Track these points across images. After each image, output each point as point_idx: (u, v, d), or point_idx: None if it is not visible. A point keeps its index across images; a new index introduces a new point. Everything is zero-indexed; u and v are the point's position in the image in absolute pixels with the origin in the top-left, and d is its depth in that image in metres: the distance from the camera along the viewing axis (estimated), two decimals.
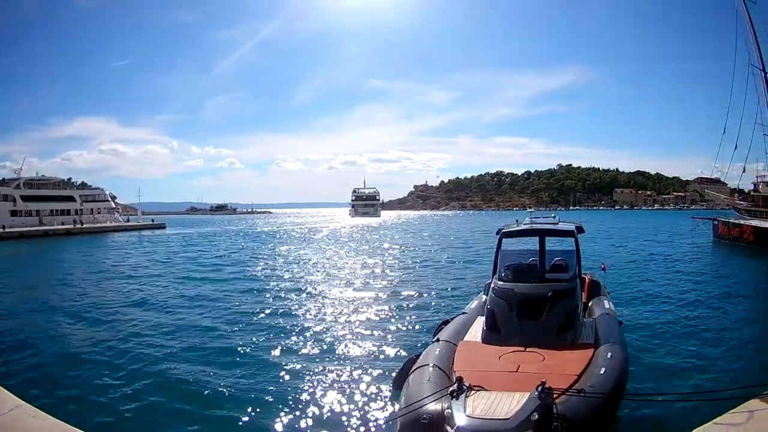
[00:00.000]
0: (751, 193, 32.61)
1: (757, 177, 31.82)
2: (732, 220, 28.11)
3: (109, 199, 58.32)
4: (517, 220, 7.03)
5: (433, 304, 11.18)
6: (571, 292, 5.63)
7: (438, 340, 5.40)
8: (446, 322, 6.38)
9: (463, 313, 6.64)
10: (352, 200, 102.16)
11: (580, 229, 6.82)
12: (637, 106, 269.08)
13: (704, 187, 52.43)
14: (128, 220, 59.99)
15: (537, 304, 5.36)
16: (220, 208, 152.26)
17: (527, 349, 5.00)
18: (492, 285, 5.90)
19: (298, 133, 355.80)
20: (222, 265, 19.43)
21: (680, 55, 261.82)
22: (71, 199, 52.49)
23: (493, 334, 5.39)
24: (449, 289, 13.28)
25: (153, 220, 63.06)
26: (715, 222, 29.83)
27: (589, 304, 6.91)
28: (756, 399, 4.49)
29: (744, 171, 30.31)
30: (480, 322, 5.85)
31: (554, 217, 7.46)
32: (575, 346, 5.17)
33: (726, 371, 6.83)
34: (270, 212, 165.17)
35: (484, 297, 6.62)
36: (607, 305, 6.78)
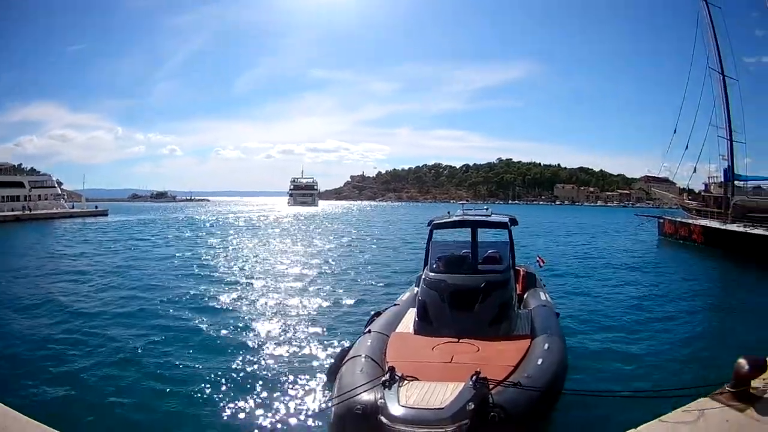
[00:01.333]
0: (702, 193, 38.18)
1: (709, 178, 37.11)
2: (679, 219, 32.67)
3: (56, 185, 66.05)
4: (449, 212, 7.85)
5: (365, 295, 12.86)
6: (505, 284, 6.46)
7: (370, 331, 6.12)
8: (378, 314, 7.20)
9: (395, 304, 7.57)
10: (291, 189, 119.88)
11: (513, 221, 7.82)
12: (584, 104, 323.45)
13: (651, 186, 58.13)
14: (73, 207, 67.79)
15: (469, 296, 6.13)
16: (160, 196, 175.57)
17: (461, 340, 5.66)
18: (423, 276, 6.74)
19: (238, 121, 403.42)
20: (161, 256, 21.99)
21: (634, 55, 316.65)
22: (21, 185, 58.62)
23: (426, 325, 6.16)
24: (382, 281, 15.24)
25: (96, 207, 71.85)
26: (661, 220, 34.99)
27: (525, 296, 7.94)
28: (707, 398, 4.73)
29: (695, 171, 35.88)
30: (412, 314, 6.70)
31: (487, 209, 8.39)
32: (510, 337, 5.90)
33: (671, 370, 7.78)
34: (208, 200, 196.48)
35: (416, 289, 7.54)
36: (543, 297, 7.77)
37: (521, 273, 8.62)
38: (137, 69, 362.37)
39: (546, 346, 5.40)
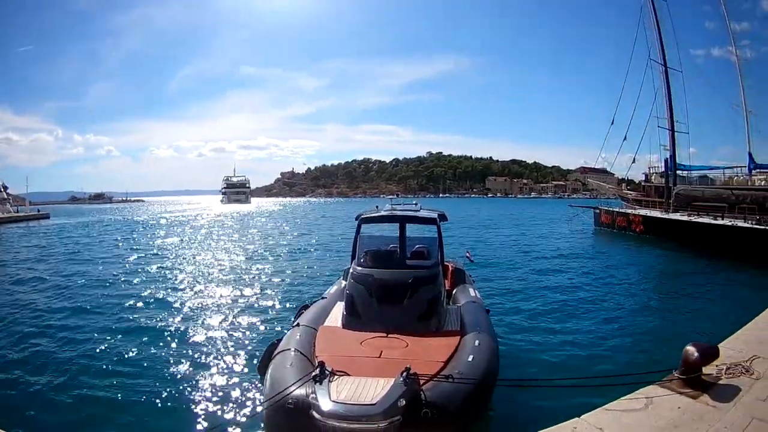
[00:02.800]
0: (642, 183, 42.43)
1: (649, 168, 41.16)
2: (617, 209, 37.16)
3: (1, 189, 73.85)
4: (377, 207, 9.07)
5: (293, 289, 14.88)
6: (433, 279, 7.31)
7: (298, 324, 6.90)
8: (306, 307, 8.17)
9: (323, 297, 8.52)
10: (224, 188, 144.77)
11: (442, 217, 8.81)
12: (516, 97, 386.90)
13: (587, 177, 61.68)
14: (18, 211, 75.08)
15: (397, 291, 6.93)
16: (98, 197, 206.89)
17: (389, 335, 6.40)
18: (351, 271, 7.62)
19: (171, 120, 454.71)
20: (98, 258, 24.00)
21: (572, 48, 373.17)
22: None
23: (354, 320, 6.93)
24: (310, 274, 17.87)
25: (39, 210, 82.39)
26: (597, 210, 39.33)
27: (454, 292, 8.86)
28: (654, 385, 5.10)
29: (634, 161, 40.34)
30: (340, 308, 7.49)
31: (416, 204, 9.44)
32: (440, 333, 6.70)
33: (613, 360, 8.69)
34: (143, 201, 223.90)
35: (344, 282, 8.58)
36: (472, 293, 8.68)
37: (450, 269, 9.64)
38: (76, 70, 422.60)
39: (476, 342, 6.09)
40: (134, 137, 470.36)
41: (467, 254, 12.35)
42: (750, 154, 33.45)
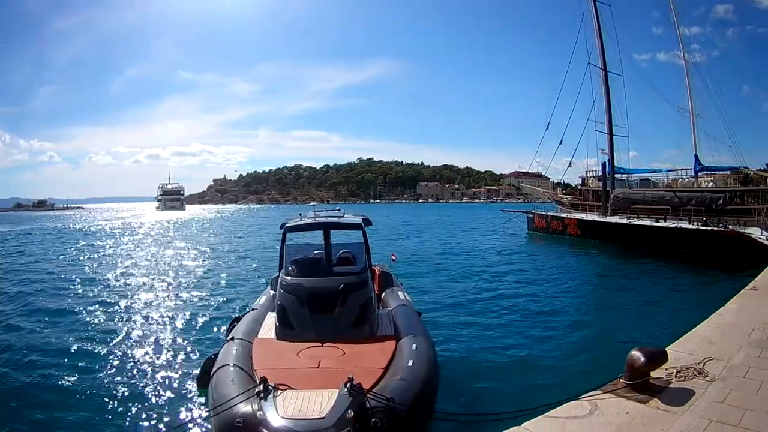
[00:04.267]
0: (579, 186, 44.65)
1: (586, 171, 43.41)
2: (551, 213, 39.33)
3: None
4: (300, 214, 9.50)
5: (223, 300, 15.09)
6: (363, 285, 7.72)
7: (233, 338, 7.26)
8: (237, 319, 8.60)
9: (253, 309, 8.90)
10: (159, 195, 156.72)
11: (367, 222, 9.33)
12: (449, 102, 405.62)
13: (521, 181, 62.94)
14: None
15: (328, 299, 7.33)
16: (41, 204, 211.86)
17: (324, 344, 6.83)
18: (280, 280, 7.99)
19: (109, 126, 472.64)
20: (37, 269, 23.96)
21: (507, 53, 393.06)
22: None
23: (287, 330, 7.35)
24: (239, 285, 18.27)
25: None
26: (530, 215, 41.15)
27: (383, 296, 9.52)
28: (597, 391, 5.18)
29: (570, 165, 41.61)
30: (271, 318, 7.98)
31: (339, 210, 9.99)
32: (375, 339, 7.14)
33: (552, 366, 8.86)
34: (82, 208, 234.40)
35: (272, 292, 9.11)
36: (402, 296, 9.32)
37: (377, 272, 10.25)
38: (22, 73, 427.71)
39: (414, 346, 6.51)
40: (75, 143, 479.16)
41: (392, 256, 12.78)
42: (696, 156, 35.57)
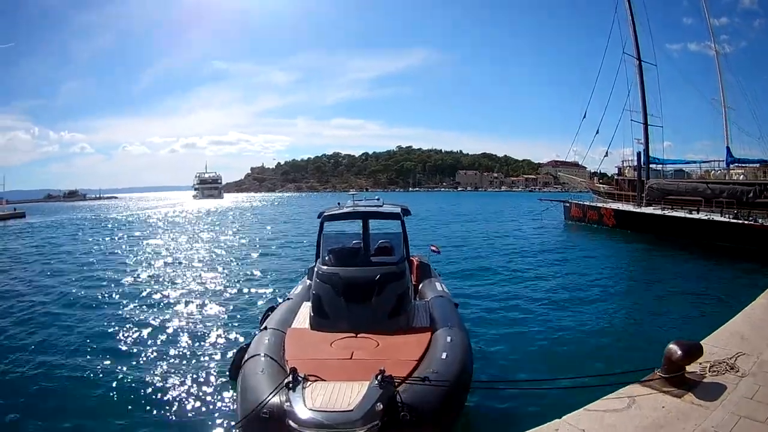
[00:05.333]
0: (615, 176, 43.67)
1: (622, 161, 42.29)
2: (588, 203, 38.96)
3: None
4: (338, 203, 9.23)
5: (260, 290, 15.04)
6: (400, 275, 7.52)
7: (266, 328, 7.14)
8: (272, 309, 8.46)
9: (289, 298, 8.78)
10: (197, 184, 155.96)
11: (406, 212, 9.12)
12: (488, 90, 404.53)
13: (558, 170, 62.69)
14: None
15: (365, 289, 7.14)
16: (72, 195, 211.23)
17: (359, 335, 6.65)
18: (316, 270, 7.78)
19: (143, 117, 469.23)
20: (76, 262, 23.42)
21: (543, 42, 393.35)
22: None
23: (322, 320, 7.14)
24: (276, 274, 18.09)
25: (15, 209, 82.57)
26: (567, 204, 40.84)
27: (420, 287, 9.28)
28: (635, 384, 5.18)
29: (606, 155, 41.09)
30: (306, 308, 7.82)
31: (378, 199, 9.78)
32: (409, 330, 6.92)
33: (591, 358, 8.83)
34: (116, 197, 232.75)
35: (309, 282, 8.93)
36: (439, 287, 9.10)
37: (415, 263, 10.03)
38: (49, 67, 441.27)
39: (448, 338, 6.31)
40: (107, 134, 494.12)
41: (432, 247, 12.57)
42: (728, 149, 34.46)
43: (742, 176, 32.61)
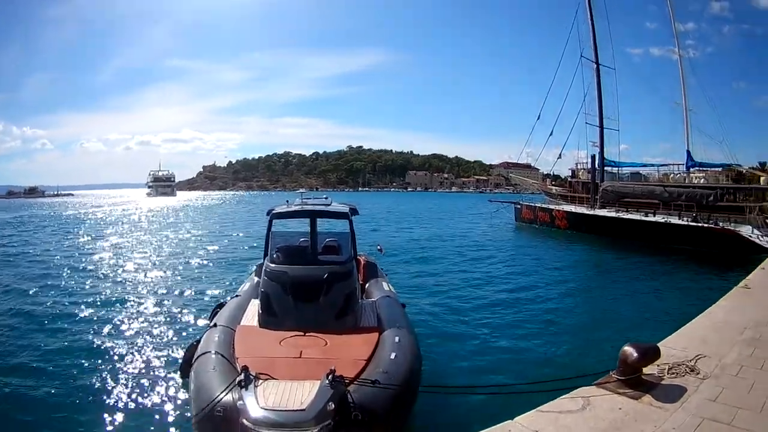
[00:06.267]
0: (568, 178, 45.50)
1: (576, 164, 44.06)
2: (539, 205, 39.77)
3: None
4: (287, 201, 9.49)
5: (209, 286, 15.47)
6: (348, 275, 7.78)
7: (216, 325, 7.39)
8: (221, 306, 8.78)
9: (237, 295, 9.14)
10: (151, 182, 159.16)
11: (354, 211, 9.35)
12: (440, 91, 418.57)
13: (510, 171, 63.63)
14: None
15: (313, 287, 7.39)
16: (32, 191, 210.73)
17: (307, 334, 6.90)
18: (264, 267, 8.03)
19: (100, 113, 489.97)
20: (21, 255, 24.18)
21: (501, 44, 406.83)
22: None
23: (270, 318, 7.40)
24: (225, 271, 18.64)
25: None
26: (518, 206, 41.66)
27: (367, 286, 9.69)
28: (590, 386, 5.25)
29: (560, 157, 42.61)
30: (254, 305, 8.08)
31: (326, 198, 9.97)
32: (357, 330, 7.22)
33: (541, 360, 9.04)
34: (72, 194, 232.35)
35: (256, 279, 9.39)
36: (386, 287, 9.53)
37: (362, 262, 10.36)
38: (14, 61, 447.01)
39: (397, 339, 6.56)
40: (67, 130, 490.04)
41: (378, 247, 12.85)
42: (688, 152, 35.88)
43: (703, 180, 33.89)
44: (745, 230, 21.78)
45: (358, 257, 9.64)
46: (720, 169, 34.39)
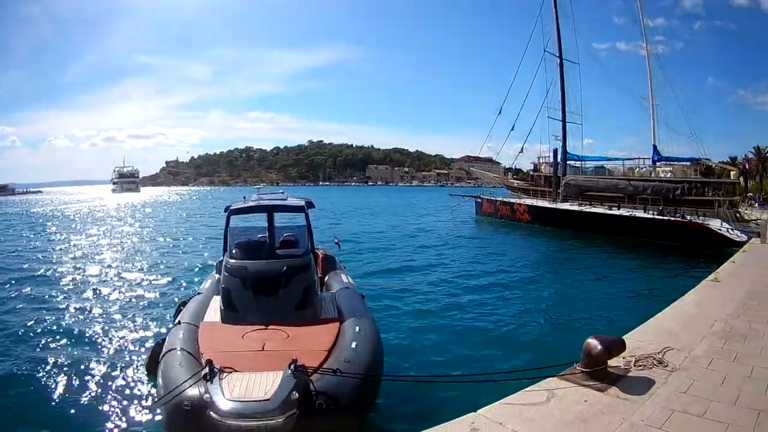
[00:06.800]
0: (531, 172, 46.12)
1: (539, 157, 44.03)
2: (501, 198, 40.32)
3: None
4: (244, 197, 9.97)
5: (173, 285, 15.80)
6: (306, 267, 8.09)
7: (180, 322, 7.52)
8: (184, 304, 8.91)
9: (199, 293, 9.32)
10: (116, 178, 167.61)
11: (310, 204, 9.61)
12: (405, 87, 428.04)
13: (471, 165, 64.35)
14: None
15: (272, 281, 7.73)
16: (2, 189, 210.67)
17: (269, 327, 7.16)
18: (224, 263, 8.39)
19: (68, 110, 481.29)
20: None
21: (463, 38, 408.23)
22: None
23: (232, 313, 7.69)
24: (188, 269, 18.94)
25: None
26: (479, 199, 42.35)
27: (326, 279, 9.97)
28: (554, 378, 5.25)
29: (522, 151, 42.88)
30: (217, 302, 8.38)
31: (282, 192, 10.34)
32: (318, 321, 7.55)
33: (504, 352, 9.10)
34: (41, 191, 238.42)
35: (217, 276, 9.67)
36: (345, 279, 9.84)
37: (320, 255, 10.70)
38: None
39: (357, 329, 6.78)
40: (36, 127, 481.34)
41: (335, 241, 13.30)
42: (655, 146, 36.43)
43: (670, 174, 34.56)
44: (715, 224, 22.28)
45: (316, 251, 9.96)
46: (688, 163, 35.07)
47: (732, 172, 33.34)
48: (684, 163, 34.91)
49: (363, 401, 5.70)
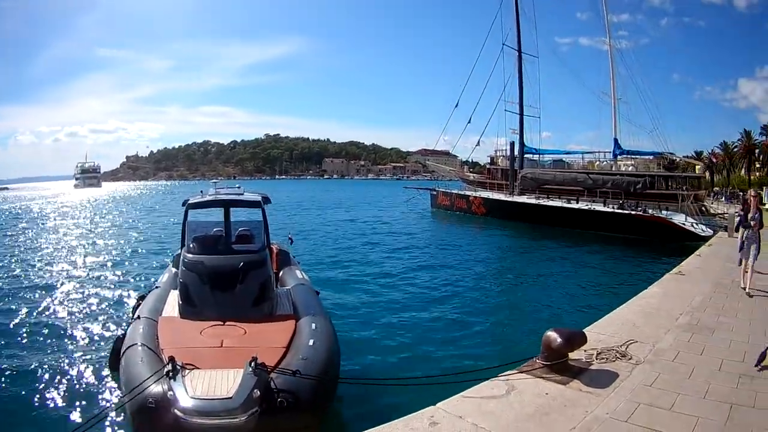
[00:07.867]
0: (487, 165, 47.07)
1: (496, 151, 45.46)
2: (456, 191, 40.99)
3: None
4: (201, 191, 9.93)
5: (132, 278, 16.19)
6: (262, 263, 8.33)
7: (139, 317, 7.71)
8: (143, 298, 9.19)
9: (157, 287, 9.55)
10: (78, 173, 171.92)
11: (266, 200, 9.84)
12: (362, 81, 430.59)
13: (427, 159, 65.20)
14: None
15: (229, 276, 7.94)
16: None
17: (226, 323, 7.33)
18: (182, 258, 8.53)
19: (34, 105, 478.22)
20: None
21: (419, 32, 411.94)
22: None
23: (190, 308, 7.80)
24: (147, 262, 19.31)
25: None
26: (434, 192, 43.14)
27: (280, 275, 10.24)
28: (514, 372, 5.30)
29: (478, 144, 46.18)
30: (174, 296, 8.50)
31: (239, 187, 10.59)
32: (274, 317, 7.78)
33: (460, 347, 9.27)
34: (7, 188, 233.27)
35: (174, 270, 9.85)
36: (299, 275, 10.14)
37: (274, 251, 10.83)
38: None
39: (313, 325, 7.02)
40: (4, 123, 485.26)
41: (288, 236, 13.45)
42: (616, 140, 37.28)
43: (632, 167, 35.58)
44: (679, 218, 22.82)
45: (270, 246, 10.16)
46: (651, 157, 36.01)
47: (697, 167, 34.29)
48: (647, 156, 35.77)
49: (323, 399, 5.83)
